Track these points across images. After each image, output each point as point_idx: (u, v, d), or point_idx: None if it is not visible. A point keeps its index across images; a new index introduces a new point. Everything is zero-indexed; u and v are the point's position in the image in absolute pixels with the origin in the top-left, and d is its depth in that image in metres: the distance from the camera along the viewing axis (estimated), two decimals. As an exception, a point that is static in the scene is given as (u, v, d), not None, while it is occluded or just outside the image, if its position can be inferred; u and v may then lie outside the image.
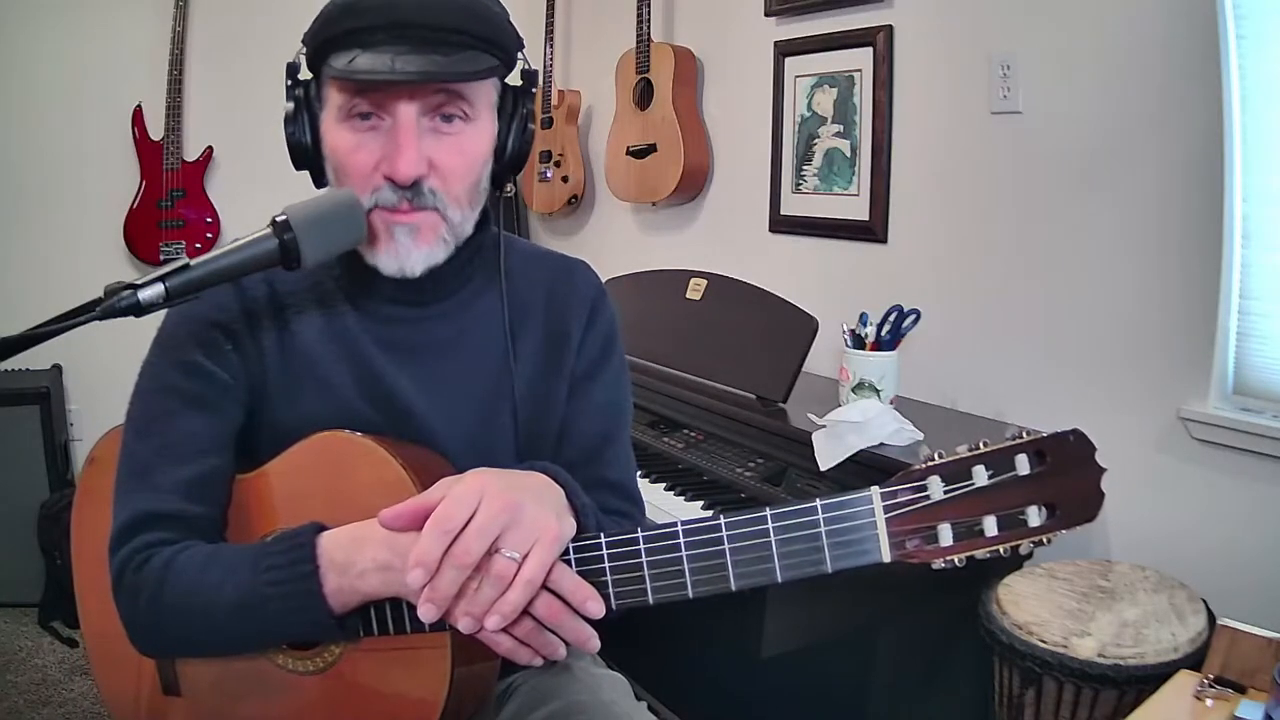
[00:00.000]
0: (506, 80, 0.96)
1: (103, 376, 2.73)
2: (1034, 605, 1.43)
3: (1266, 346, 1.55)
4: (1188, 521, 1.61)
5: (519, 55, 0.94)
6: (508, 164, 0.97)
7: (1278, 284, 1.53)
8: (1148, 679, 1.26)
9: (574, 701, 0.98)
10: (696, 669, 1.83)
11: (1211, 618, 1.41)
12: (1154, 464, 1.66)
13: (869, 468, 1.59)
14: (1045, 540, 0.79)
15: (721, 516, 0.81)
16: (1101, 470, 0.79)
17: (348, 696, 0.90)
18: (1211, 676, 1.06)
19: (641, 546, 0.81)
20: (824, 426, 1.65)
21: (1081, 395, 1.78)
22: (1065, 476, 0.79)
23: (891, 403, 1.78)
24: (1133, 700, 1.25)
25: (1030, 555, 0.85)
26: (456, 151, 0.90)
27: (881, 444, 1.60)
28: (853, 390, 1.80)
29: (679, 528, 0.81)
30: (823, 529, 0.79)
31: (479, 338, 1.00)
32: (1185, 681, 1.09)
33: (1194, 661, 1.25)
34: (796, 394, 1.81)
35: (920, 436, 1.64)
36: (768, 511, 0.80)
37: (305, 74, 0.92)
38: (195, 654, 0.93)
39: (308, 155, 0.93)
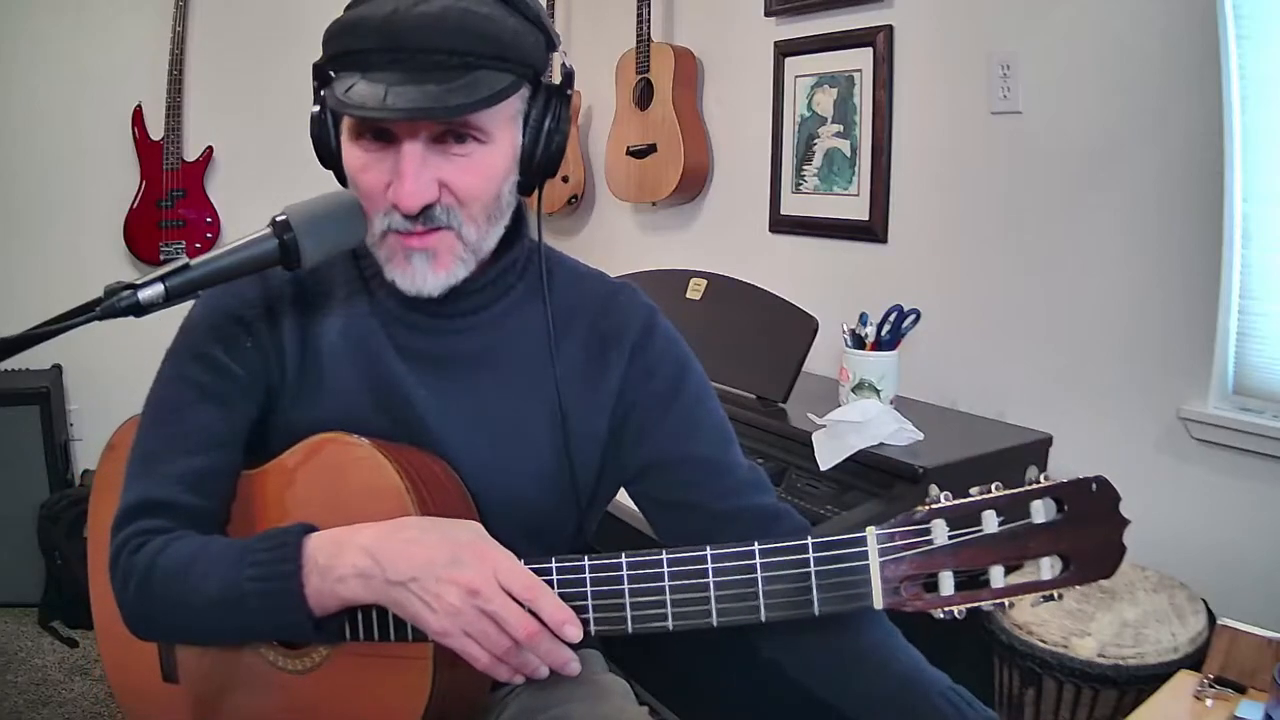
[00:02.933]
0: (542, 79, 0.90)
1: (103, 376, 2.75)
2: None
3: (1266, 346, 1.55)
4: (1188, 521, 1.61)
5: (555, 54, 0.89)
6: (537, 170, 0.91)
7: (1278, 284, 1.53)
8: (1148, 679, 1.26)
9: (575, 705, 0.97)
10: (698, 671, 1.83)
11: (1211, 618, 1.41)
12: (1154, 464, 1.66)
13: (869, 468, 1.59)
14: (1057, 595, 0.76)
15: (709, 547, 0.79)
16: (1125, 522, 0.75)
17: (331, 699, 0.90)
18: (1211, 676, 1.06)
19: (624, 573, 0.79)
20: (824, 426, 1.65)
21: (1081, 395, 1.78)
22: (1084, 527, 0.74)
23: (891, 403, 1.78)
24: (1133, 700, 1.25)
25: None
26: (468, 172, 0.86)
27: (881, 444, 1.60)
28: (853, 390, 1.80)
29: (664, 556, 0.79)
30: (812, 569, 0.77)
31: (511, 355, 0.97)
32: (1185, 681, 1.09)
33: (1194, 661, 1.25)
34: (796, 394, 1.81)
35: (920, 436, 1.64)
36: (755, 546, 0.78)
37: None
38: (180, 641, 0.95)
39: (333, 158, 0.91)
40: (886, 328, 1.81)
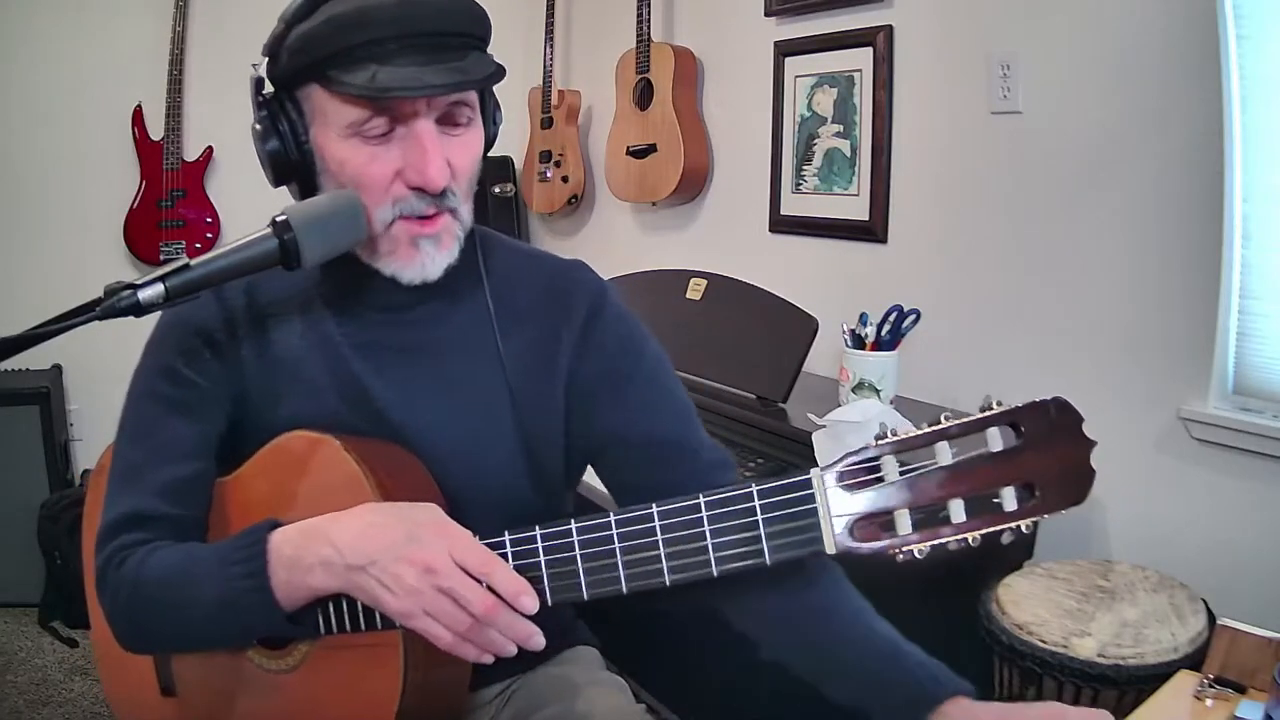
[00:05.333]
0: None
1: (103, 376, 2.72)
2: (1034, 605, 1.43)
3: (1266, 346, 1.55)
4: (1188, 521, 1.61)
5: None
6: (488, 148, 0.97)
7: (1278, 284, 1.53)
8: (1148, 679, 1.26)
9: (572, 705, 0.98)
10: (696, 670, 1.83)
11: (1211, 618, 1.40)
12: (1154, 464, 1.66)
13: (869, 468, 1.59)
14: (1025, 527, 0.72)
15: (654, 505, 0.78)
16: (1090, 443, 0.72)
17: (315, 695, 0.91)
18: (1211, 676, 1.06)
19: (575, 539, 0.79)
20: (824, 426, 1.65)
21: (1081, 395, 1.76)
22: (1046, 451, 0.71)
23: (891, 403, 1.78)
24: (1133, 700, 1.25)
25: (1031, 547, 0.79)
26: (465, 150, 0.90)
27: (881, 444, 1.60)
28: (853, 390, 1.80)
29: (611, 518, 0.79)
30: (759, 516, 0.75)
31: (464, 340, 0.99)
32: (1185, 681, 1.09)
33: (1194, 661, 1.24)
34: (796, 394, 1.81)
35: (920, 436, 1.64)
36: (701, 499, 0.77)
37: (269, 87, 0.90)
38: (171, 649, 0.96)
39: (294, 169, 0.91)
40: (886, 328, 1.81)
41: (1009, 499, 0.71)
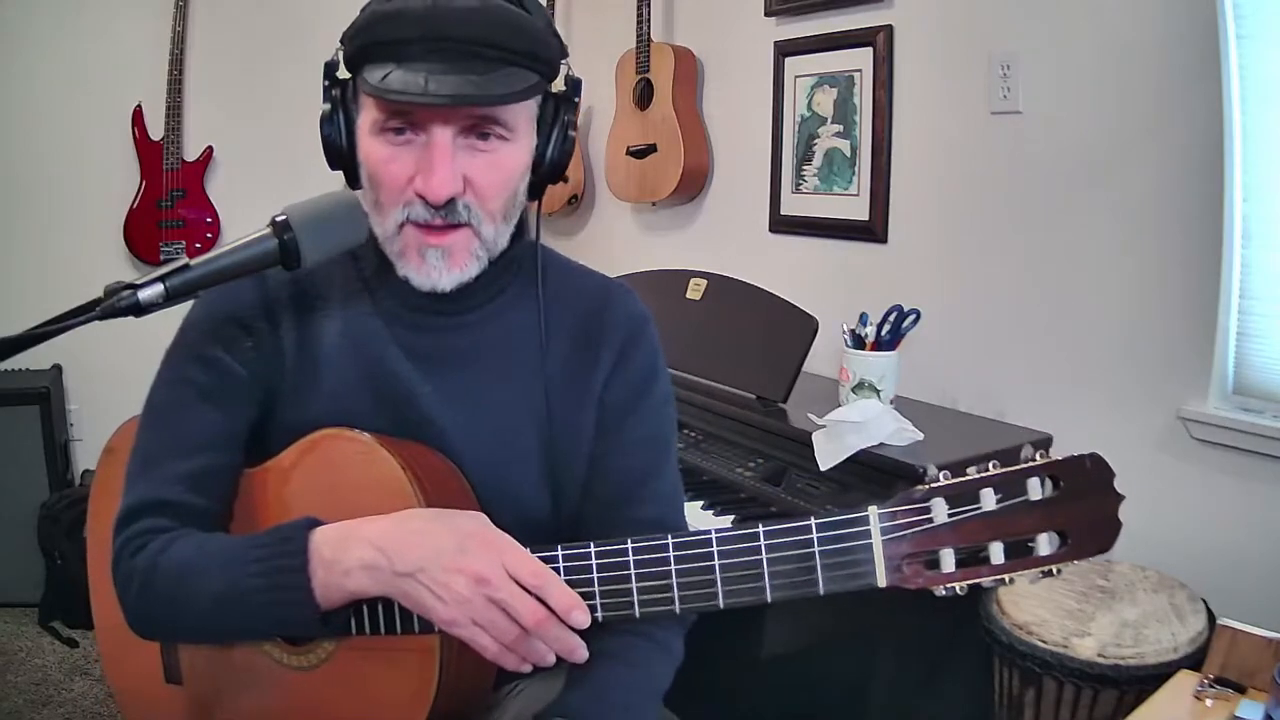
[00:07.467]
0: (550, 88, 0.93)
1: (103, 376, 2.75)
2: (1034, 605, 1.43)
3: (1266, 346, 1.55)
4: (1188, 521, 1.61)
5: (563, 63, 0.92)
6: (545, 174, 0.94)
7: (1278, 284, 1.53)
8: (1148, 679, 1.26)
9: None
10: (698, 670, 1.83)
11: (1211, 618, 1.41)
12: (1154, 464, 1.66)
13: (869, 468, 1.59)
14: (1055, 570, 0.77)
15: (713, 532, 0.80)
16: (1120, 498, 0.78)
17: (337, 694, 0.90)
18: (1211, 676, 1.06)
19: (631, 559, 0.81)
20: (824, 426, 1.65)
21: (1081, 395, 1.78)
22: (1080, 503, 0.77)
23: (891, 403, 1.78)
24: (1133, 700, 1.25)
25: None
26: (492, 168, 0.88)
27: (881, 444, 1.60)
28: (853, 390, 1.80)
29: (669, 541, 0.80)
30: (816, 549, 0.78)
31: (506, 351, 0.98)
32: (1185, 681, 1.09)
33: (1194, 661, 1.25)
34: (796, 394, 1.80)
35: (920, 437, 1.64)
36: (760, 528, 0.79)
37: (344, 73, 0.90)
38: (184, 640, 0.95)
39: (343, 157, 0.91)
40: (886, 328, 1.81)
41: (1044, 544, 0.77)
